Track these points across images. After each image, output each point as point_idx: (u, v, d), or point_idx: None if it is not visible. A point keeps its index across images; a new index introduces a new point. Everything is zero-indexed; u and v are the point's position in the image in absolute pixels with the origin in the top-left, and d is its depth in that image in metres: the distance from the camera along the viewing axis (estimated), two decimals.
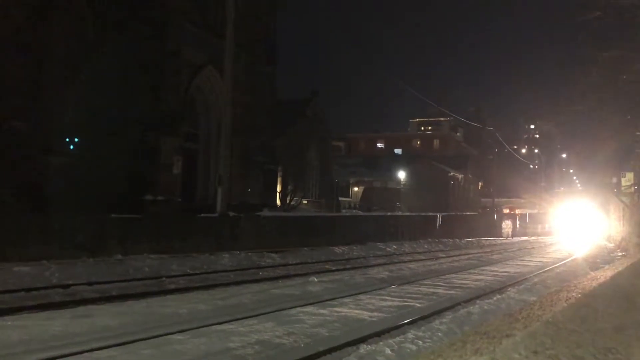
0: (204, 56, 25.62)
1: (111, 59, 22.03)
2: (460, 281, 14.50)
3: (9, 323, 7.66)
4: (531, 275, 16.92)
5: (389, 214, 36.58)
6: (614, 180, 47.01)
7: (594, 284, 5.46)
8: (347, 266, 17.36)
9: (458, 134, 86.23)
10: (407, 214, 37.20)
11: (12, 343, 6.79)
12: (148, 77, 22.88)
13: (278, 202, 33.69)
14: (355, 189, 60.92)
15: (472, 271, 17.44)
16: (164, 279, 12.60)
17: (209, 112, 27.24)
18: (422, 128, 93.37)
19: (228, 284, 12.24)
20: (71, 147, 21.30)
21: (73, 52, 21.32)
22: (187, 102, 25.13)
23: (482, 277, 15.88)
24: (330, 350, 6.94)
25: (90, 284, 11.41)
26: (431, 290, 12.53)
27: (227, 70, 20.81)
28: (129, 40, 22.55)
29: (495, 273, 17.13)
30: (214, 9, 26.89)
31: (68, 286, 10.93)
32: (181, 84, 24.20)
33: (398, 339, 7.48)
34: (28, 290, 10.34)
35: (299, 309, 9.51)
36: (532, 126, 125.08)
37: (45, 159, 19.55)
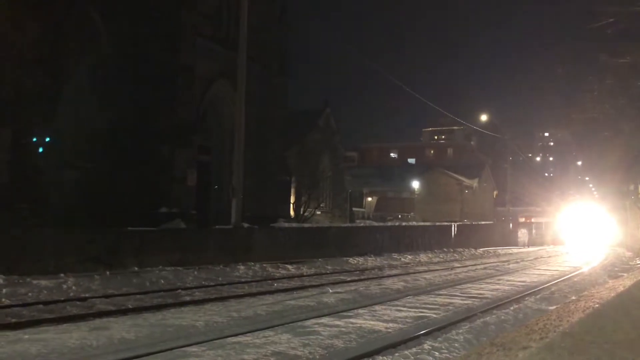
0: (217, 69, 25.84)
1: (125, 73, 22.32)
2: (476, 291, 14.39)
3: (27, 336, 7.73)
4: (548, 284, 16.74)
5: (403, 224, 36.45)
6: (631, 187, 46.45)
7: (612, 293, 5.41)
8: (362, 277, 17.30)
9: (472, 142, 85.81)
10: (422, 223, 37.01)
11: (30, 356, 6.86)
12: (162, 90, 23.11)
13: (292, 213, 33.68)
14: (369, 199, 60.78)
15: (488, 281, 17.30)
16: (179, 291, 12.65)
17: (222, 124, 27.41)
18: (435, 137, 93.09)
19: (243, 296, 12.26)
20: (86, 160, 21.54)
21: (88, 66, 21.64)
22: (200, 115, 25.34)
23: (498, 286, 15.74)
24: None
25: (106, 296, 11.49)
26: (447, 300, 12.45)
27: (240, 84, 20.96)
28: (142, 54, 22.85)
29: (511, 282, 16.97)
30: (225, 22, 27.15)
31: (85, 299, 11.02)
32: (194, 97, 24.41)
33: (414, 350, 7.45)
34: (46, 303, 10.44)
35: (314, 320, 9.49)
36: (547, 134, 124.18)
37: (61, 173, 19.79)
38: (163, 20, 23.29)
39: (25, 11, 18.76)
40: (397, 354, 7.29)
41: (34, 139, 18.90)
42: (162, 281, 14.09)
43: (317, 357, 7.23)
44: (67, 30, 20.45)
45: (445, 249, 32.58)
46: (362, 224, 35.53)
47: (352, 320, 9.55)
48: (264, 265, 18.36)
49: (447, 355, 7.25)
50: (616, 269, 23.04)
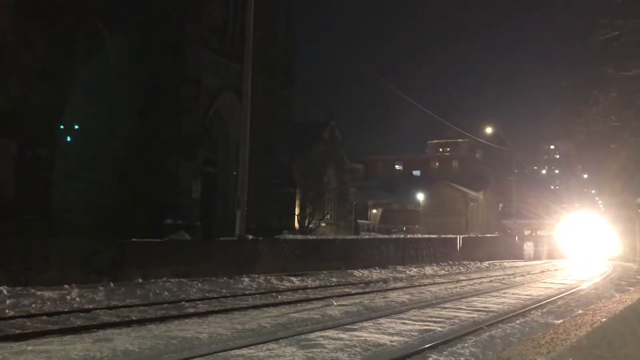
0: (222, 81, 25.97)
1: (131, 85, 22.45)
2: (482, 304, 14.28)
3: (31, 348, 7.71)
4: (555, 297, 16.61)
5: (408, 236, 36.31)
6: (638, 200, 46.25)
7: (620, 307, 5.36)
8: (367, 289, 17.21)
9: (477, 155, 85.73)
10: (427, 236, 36.87)
11: None
12: (167, 102, 23.24)
13: (296, 225, 33.64)
14: (374, 211, 60.68)
15: (494, 294, 17.18)
16: (183, 302, 12.62)
17: (227, 136, 27.51)
18: (440, 149, 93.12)
19: (247, 308, 12.21)
20: (91, 172, 21.61)
21: (94, 78, 21.77)
22: (205, 127, 25.43)
23: (504, 300, 15.63)
24: None
25: (110, 308, 11.47)
26: (453, 313, 12.36)
27: (245, 96, 21.04)
28: (148, 67, 22.99)
29: (518, 296, 16.85)
30: (231, 35, 27.34)
31: (89, 310, 11.00)
32: (200, 109, 24.52)
33: None
34: (50, 314, 10.43)
35: (318, 333, 9.43)
36: (552, 147, 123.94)
37: (67, 185, 19.85)
38: (169, 33, 23.45)
39: (32, 25, 18.93)
40: None
41: (40, 151, 18.96)
42: (166, 293, 14.07)
43: None
44: (73, 43, 20.61)
45: (450, 262, 32.43)
46: (366, 236, 35.40)
47: (356, 333, 9.48)
48: (268, 277, 18.30)
49: None
50: (623, 282, 22.86)
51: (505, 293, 17.59)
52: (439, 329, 10.33)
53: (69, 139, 21.20)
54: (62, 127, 20.26)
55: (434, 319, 11.36)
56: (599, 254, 50.70)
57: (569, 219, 60.14)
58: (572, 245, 56.06)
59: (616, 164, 29.78)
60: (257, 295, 14.71)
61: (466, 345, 8.57)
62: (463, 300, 15.20)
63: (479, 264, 33.65)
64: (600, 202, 74.95)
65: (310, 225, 34.48)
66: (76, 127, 21.63)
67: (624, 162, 28.56)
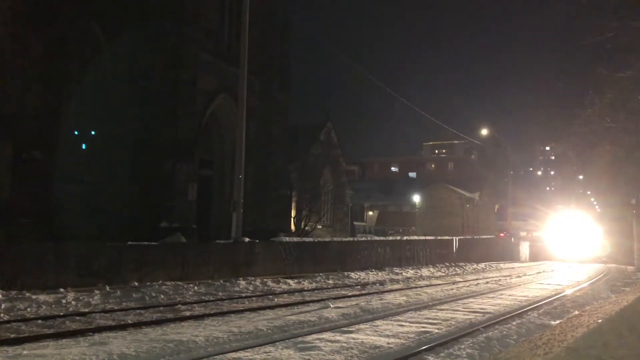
0: (219, 84, 25.95)
1: (127, 88, 22.42)
2: (478, 306, 14.29)
3: (26, 352, 7.67)
4: (551, 298, 16.63)
5: (405, 238, 36.34)
6: (633, 201, 46.34)
7: (616, 308, 5.36)
8: (364, 291, 17.21)
9: (473, 156, 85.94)
10: (423, 237, 36.90)
11: None
12: (163, 104, 23.20)
13: (292, 227, 33.62)
14: (370, 213, 60.74)
15: (490, 295, 17.19)
16: (179, 305, 12.58)
17: (224, 138, 27.48)
18: (436, 151, 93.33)
19: (243, 311, 12.19)
20: (87, 175, 21.56)
21: (89, 81, 21.74)
22: (202, 129, 25.40)
23: (501, 301, 15.65)
24: None
25: (106, 311, 11.43)
26: (449, 315, 12.36)
27: (241, 98, 21.03)
28: (144, 69, 22.97)
29: (514, 297, 16.87)
30: (227, 38, 27.34)
31: (85, 314, 10.96)
32: (196, 112, 24.49)
33: None
34: (45, 318, 10.38)
35: (315, 335, 9.41)
36: (548, 148, 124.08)
37: (62, 187, 19.79)
38: (165, 36, 23.43)
39: (28, 27, 18.89)
40: None
41: (36, 154, 18.91)
42: (162, 296, 14.03)
43: None
44: (70, 46, 20.58)
45: (447, 263, 32.46)
46: (363, 238, 35.41)
47: (353, 335, 9.47)
48: (265, 279, 18.28)
49: None
50: (619, 283, 22.92)
51: (501, 294, 17.60)
52: (436, 330, 10.32)
53: (64, 141, 21.14)
54: (57, 130, 20.18)
55: (430, 321, 11.36)
56: (594, 255, 50.80)
57: (564, 220, 60.20)
58: (568, 247, 56.12)
59: (609, 164, 29.94)
60: (253, 298, 14.68)
61: (463, 347, 8.57)
62: (459, 301, 15.20)
63: (475, 266, 33.69)
64: (595, 202, 75.12)
65: (307, 228, 34.46)
66: (72, 129, 21.58)
67: (617, 162, 28.71)
